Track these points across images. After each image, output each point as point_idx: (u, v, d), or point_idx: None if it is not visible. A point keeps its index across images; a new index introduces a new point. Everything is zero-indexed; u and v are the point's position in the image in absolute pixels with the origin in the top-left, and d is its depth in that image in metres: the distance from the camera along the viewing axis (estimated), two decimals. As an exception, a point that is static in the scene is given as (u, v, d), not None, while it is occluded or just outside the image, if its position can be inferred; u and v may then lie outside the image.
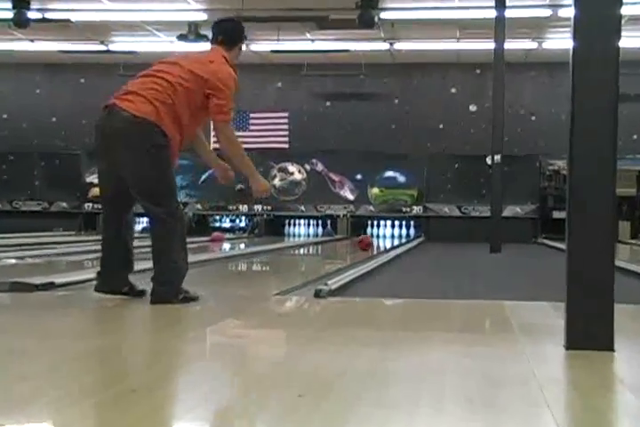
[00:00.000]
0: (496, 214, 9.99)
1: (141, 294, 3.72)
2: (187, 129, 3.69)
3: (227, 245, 10.89)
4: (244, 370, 2.31)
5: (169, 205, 3.62)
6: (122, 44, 13.29)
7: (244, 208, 14.07)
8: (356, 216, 13.92)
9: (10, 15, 11.14)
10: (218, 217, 14.68)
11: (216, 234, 12.18)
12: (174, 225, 3.61)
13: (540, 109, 13.98)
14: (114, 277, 3.73)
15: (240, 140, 3.97)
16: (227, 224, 14.69)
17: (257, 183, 3.81)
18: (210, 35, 3.94)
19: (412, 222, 13.98)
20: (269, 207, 14.06)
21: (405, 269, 6.75)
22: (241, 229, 14.34)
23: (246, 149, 3.89)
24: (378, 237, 13.71)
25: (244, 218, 14.56)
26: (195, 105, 3.65)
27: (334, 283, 4.29)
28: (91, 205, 13.91)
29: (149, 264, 3.68)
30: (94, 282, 3.82)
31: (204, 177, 14.00)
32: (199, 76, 3.65)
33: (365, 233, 13.79)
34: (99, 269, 3.78)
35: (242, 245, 11.04)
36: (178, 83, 3.62)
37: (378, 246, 10.94)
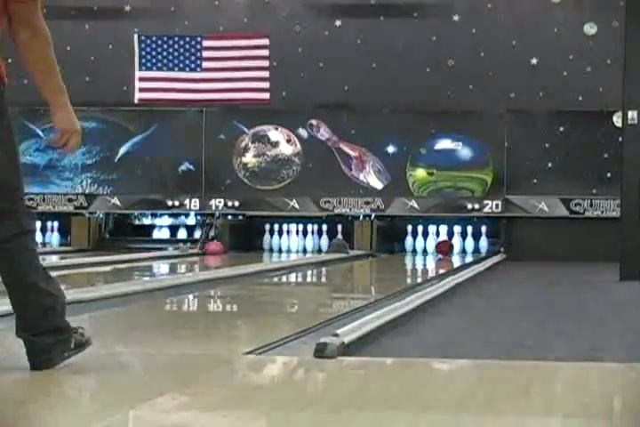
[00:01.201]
0: (631, 214, 9.99)
1: None
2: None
3: (164, 268, 10.89)
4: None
5: (22, 204, 3.70)
6: None
7: (193, 204, 14.05)
8: (385, 217, 13.97)
9: None
10: (148, 217, 14.72)
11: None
12: (33, 235, 3.73)
13: None
14: None
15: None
16: (163, 226, 14.72)
17: (65, 117, 3.74)
18: None
19: (483, 228, 14.00)
20: (237, 202, 14.06)
21: (472, 308, 6.76)
22: (188, 238, 14.39)
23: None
24: (425, 252, 13.73)
25: (192, 218, 14.57)
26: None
27: (348, 333, 4.30)
28: None
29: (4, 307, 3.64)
30: None
31: (122, 151, 13.99)
32: None
33: (404, 245, 13.83)
34: None
35: (191, 268, 11.02)
36: None
37: (424, 270, 10.92)
